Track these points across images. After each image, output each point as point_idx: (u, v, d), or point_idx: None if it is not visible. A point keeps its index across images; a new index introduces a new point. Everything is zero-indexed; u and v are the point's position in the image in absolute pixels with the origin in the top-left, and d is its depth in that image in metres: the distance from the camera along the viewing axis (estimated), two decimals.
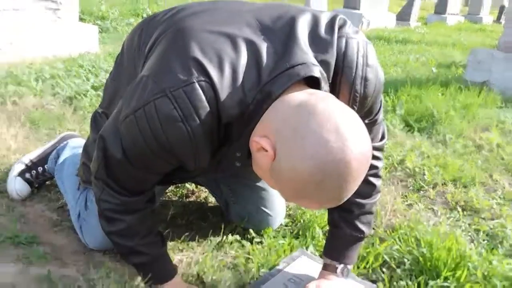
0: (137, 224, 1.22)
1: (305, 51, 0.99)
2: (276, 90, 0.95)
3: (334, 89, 1.04)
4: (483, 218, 1.92)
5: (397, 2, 16.71)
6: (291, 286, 1.37)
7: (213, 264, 1.46)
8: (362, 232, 1.34)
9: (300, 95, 0.93)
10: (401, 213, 1.88)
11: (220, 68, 0.95)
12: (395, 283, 1.45)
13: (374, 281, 1.47)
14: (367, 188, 1.29)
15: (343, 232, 1.34)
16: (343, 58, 1.03)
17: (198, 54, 0.96)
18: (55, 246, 1.51)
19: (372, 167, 1.25)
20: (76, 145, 1.81)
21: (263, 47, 0.99)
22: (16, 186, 1.74)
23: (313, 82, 0.98)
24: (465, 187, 2.18)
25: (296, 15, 1.05)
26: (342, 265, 1.35)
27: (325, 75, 1.00)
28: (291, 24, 1.03)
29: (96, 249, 1.50)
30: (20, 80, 3.00)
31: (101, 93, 2.96)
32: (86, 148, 1.48)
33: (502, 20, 13.56)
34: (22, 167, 1.78)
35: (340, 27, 1.06)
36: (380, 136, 1.29)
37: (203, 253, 1.53)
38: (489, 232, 1.79)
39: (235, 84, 0.96)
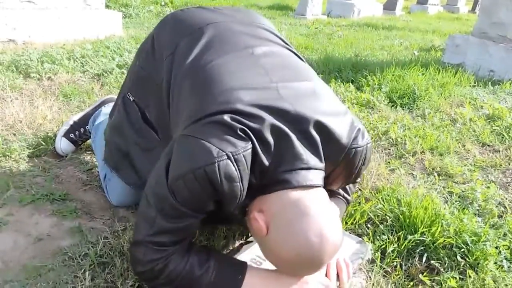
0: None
1: (319, 154, 1.01)
2: (287, 185, 0.97)
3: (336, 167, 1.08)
4: (456, 182, 1.89)
5: None
6: None
7: None
8: (347, 199, 1.37)
9: (300, 193, 0.97)
10: (384, 177, 1.86)
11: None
12: (378, 237, 1.44)
13: (360, 235, 1.46)
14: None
15: (335, 192, 1.32)
16: (349, 159, 1.08)
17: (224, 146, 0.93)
18: (85, 203, 1.51)
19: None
20: (109, 111, 1.77)
21: (290, 142, 0.97)
22: (62, 145, 1.79)
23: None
24: (441, 155, 2.15)
25: (323, 118, 1.01)
26: None
27: (324, 175, 1.03)
28: (324, 132, 1.01)
29: (120, 206, 1.49)
30: (54, 59, 2.96)
31: (125, 71, 2.92)
32: (113, 126, 1.40)
33: (477, 10, 13.29)
34: (67, 127, 1.81)
35: (355, 139, 1.07)
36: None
37: None
38: (461, 194, 1.77)
39: (250, 171, 0.96)
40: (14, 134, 1.90)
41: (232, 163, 0.91)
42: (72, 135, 1.79)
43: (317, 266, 0.96)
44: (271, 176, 0.97)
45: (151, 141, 1.29)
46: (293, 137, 0.97)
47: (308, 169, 0.98)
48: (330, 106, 1.07)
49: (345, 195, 1.35)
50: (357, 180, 1.23)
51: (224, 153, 0.91)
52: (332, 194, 1.33)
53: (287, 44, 1.30)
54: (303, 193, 0.97)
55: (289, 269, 1.00)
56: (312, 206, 0.95)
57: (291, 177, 0.97)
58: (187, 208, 0.97)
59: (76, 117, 1.85)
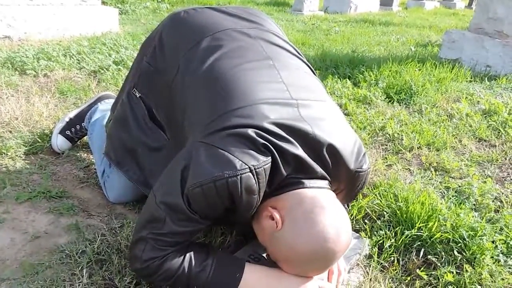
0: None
1: (329, 173, 1.06)
2: (301, 185, 1.01)
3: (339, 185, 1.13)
4: (453, 177, 1.90)
5: None
6: None
7: None
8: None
9: (315, 191, 1.02)
10: (381, 173, 1.86)
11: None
12: (375, 232, 1.44)
13: (357, 231, 1.46)
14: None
15: None
16: (351, 181, 1.13)
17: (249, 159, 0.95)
18: (82, 200, 1.50)
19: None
20: (105, 108, 1.77)
21: (306, 161, 1.01)
22: (58, 142, 1.78)
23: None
24: (437, 150, 2.15)
25: (337, 144, 1.05)
26: None
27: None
28: (335, 156, 1.05)
29: (117, 203, 1.48)
30: (50, 56, 2.95)
31: (121, 68, 2.90)
32: (117, 120, 1.38)
33: (473, 6, 13.29)
34: (63, 124, 1.80)
35: (360, 163, 1.11)
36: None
37: None
38: (458, 189, 1.77)
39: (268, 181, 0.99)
40: (10, 132, 1.88)
41: (254, 176, 0.93)
42: (68, 132, 1.78)
43: (329, 261, 0.97)
44: (284, 182, 1.01)
45: (158, 140, 1.28)
46: (308, 158, 1.01)
47: (319, 179, 1.04)
48: (341, 130, 1.11)
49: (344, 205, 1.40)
50: (353, 200, 1.31)
51: (247, 166, 0.92)
52: None
53: (299, 53, 1.31)
54: (317, 191, 1.02)
55: (300, 265, 1.00)
56: (327, 202, 0.99)
57: (304, 180, 1.02)
58: (199, 215, 0.98)
59: (72, 114, 1.83)
